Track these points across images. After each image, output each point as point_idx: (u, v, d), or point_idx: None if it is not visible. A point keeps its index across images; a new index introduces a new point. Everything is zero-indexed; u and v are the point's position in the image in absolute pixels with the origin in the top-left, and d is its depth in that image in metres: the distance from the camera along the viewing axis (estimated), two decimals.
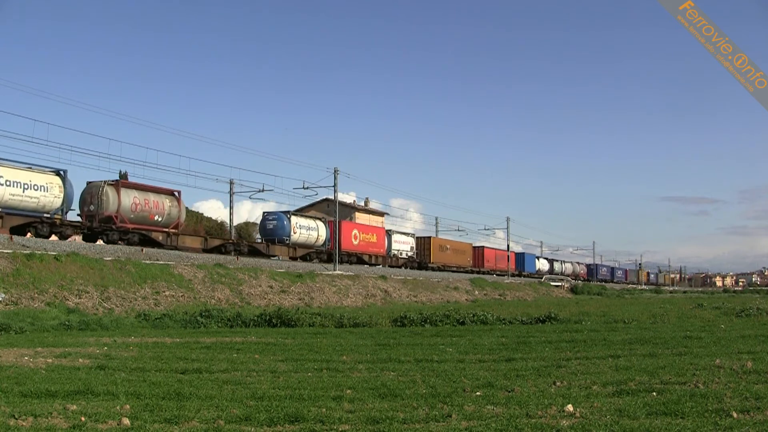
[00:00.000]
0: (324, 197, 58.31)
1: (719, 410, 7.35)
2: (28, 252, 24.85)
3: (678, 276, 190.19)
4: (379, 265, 52.80)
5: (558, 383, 9.37)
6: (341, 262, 45.22)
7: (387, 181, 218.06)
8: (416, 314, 23.79)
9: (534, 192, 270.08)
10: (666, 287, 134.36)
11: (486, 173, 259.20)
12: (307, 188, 46.55)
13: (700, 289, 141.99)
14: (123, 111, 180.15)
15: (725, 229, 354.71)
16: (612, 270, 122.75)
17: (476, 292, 53.24)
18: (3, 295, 21.19)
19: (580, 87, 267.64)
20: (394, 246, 55.98)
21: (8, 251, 24.26)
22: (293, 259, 44.13)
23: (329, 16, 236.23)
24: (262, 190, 46.14)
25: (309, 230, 45.17)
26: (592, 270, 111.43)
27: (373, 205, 75.49)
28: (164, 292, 27.22)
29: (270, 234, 43.22)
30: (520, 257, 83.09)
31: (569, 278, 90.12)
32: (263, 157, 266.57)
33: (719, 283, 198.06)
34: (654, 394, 8.42)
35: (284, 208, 45.46)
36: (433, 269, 60.06)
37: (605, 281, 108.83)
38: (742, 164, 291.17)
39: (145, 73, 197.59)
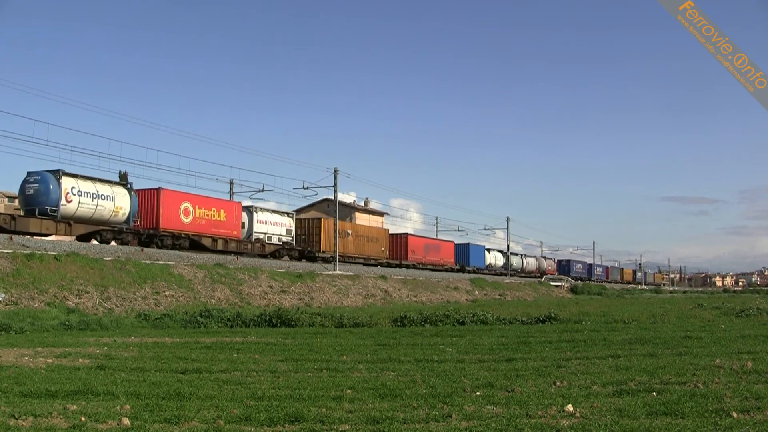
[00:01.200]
0: (324, 197, 58.34)
1: (719, 410, 7.35)
2: (28, 252, 24.85)
3: (676, 275, 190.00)
4: (231, 253, 38.44)
5: (558, 383, 9.37)
6: (152, 245, 34.01)
7: (387, 181, 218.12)
8: (416, 314, 23.79)
9: (534, 192, 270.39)
10: (659, 286, 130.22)
11: (486, 173, 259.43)
12: (307, 188, 46.59)
13: (700, 289, 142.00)
14: (123, 111, 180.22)
15: (725, 229, 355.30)
16: (590, 267, 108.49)
17: (476, 292, 53.28)
18: (3, 295, 21.19)
19: (580, 87, 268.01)
20: (259, 228, 41.71)
21: (8, 251, 24.26)
22: (78, 238, 30.92)
23: (329, 16, 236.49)
24: (262, 190, 46.16)
25: (97, 199, 30.72)
26: (564, 267, 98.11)
27: (373, 205, 75.53)
28: (164, 292, 27.22)
29: (30, 203, 29.23)
30: (462, 249, 68.77)
31: (535, 275, 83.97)
32: (263, 157, 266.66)
33: (719, 283, 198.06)
34: (654, 394, 8.42)
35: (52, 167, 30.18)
36: (324, 260, 46.11)
37: (581, 279, 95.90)
38: (742, 164, 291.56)
39: (145, 73, 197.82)
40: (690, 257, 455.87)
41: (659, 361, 11.75)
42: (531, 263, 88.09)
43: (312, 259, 46.03)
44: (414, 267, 58.14)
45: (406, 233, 60.34)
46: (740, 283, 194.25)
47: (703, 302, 39.06)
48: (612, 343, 15.28)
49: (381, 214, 75.93)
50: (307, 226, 47.58)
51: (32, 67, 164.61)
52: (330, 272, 41.64)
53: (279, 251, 43.86)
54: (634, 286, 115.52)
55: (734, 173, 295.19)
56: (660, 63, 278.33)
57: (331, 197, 48.37)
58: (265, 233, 42.48)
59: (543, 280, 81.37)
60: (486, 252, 74.20)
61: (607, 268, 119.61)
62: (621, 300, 55.93)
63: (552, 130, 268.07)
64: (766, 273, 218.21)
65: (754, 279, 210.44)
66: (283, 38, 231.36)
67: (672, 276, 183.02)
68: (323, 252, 46.34)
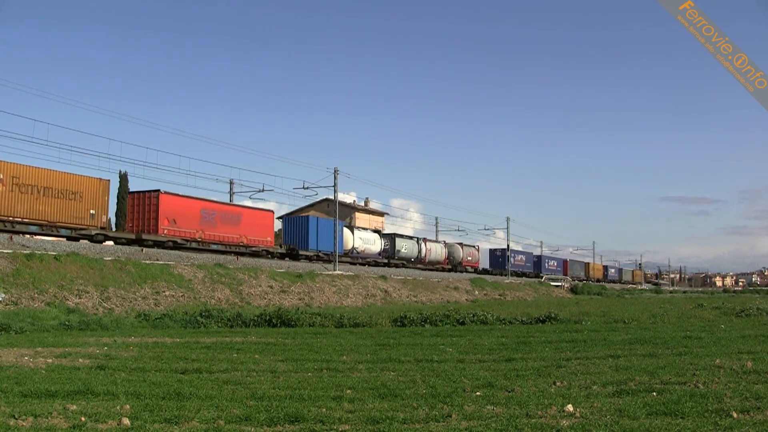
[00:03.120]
0: (324, 197, 58.33)
1: (719, 410, 7.35)
2: (28, 252, 24.85)
3: (676, 275, 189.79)
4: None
5: (558, 383, 9.37)
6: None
7: (387, 181, 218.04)
8: (416, 314, 23.79)
9: (534, 192, 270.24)
10: (634, 286, 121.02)
11: (486, 173, 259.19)
12: (307, 188, 46.58)
13: (700, 289, 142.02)
14: (123, 111, 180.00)
15: (725, 229, 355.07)
16: (539, 259, 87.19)
17: (476, 292, 53.29)
18: (3, 295, 21.19)
19: (580, 87, 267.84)
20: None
21: (8, 251, 24.27)
22: None
23: (329, 16, 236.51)
24: (262, 190, 46.20)
25: None
26: (497, 259, 76.54)
27: (373, 205, 75.48)
28: (164, 292, 27.22)
29: None
30: (296, 224, 46.11)
31: (442, 265, 63.69)
32: (263, 157, 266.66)
33: (719, 283, 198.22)
34: (654, 394, 8.42)
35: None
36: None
37: (525, 275, 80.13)
38: (742, 164, 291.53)
39: (145, 73, 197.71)
40: (690, 257, 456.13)
41: (659, 361, 11.75)
42: (436, 251, 61.89)
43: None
44: (172, 246, 34.45)
45: (157, 189, 34.57)
46: (740, 283, 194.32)
47: (703, 302, 39.05)
48: (612, 343, 15.28)
49: (381, 214, 75.91)
50: None
51: (32, 67, 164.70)
52: (330, 272, 41.65)
53: None
54: (604, 284, 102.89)
55: (734, 173, 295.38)
56: (660, 63, 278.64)
57: (331, 197, 48.37)
58: None
59: (543, 280, 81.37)
60: (348, 231, 49.96)
61: (565, 261, 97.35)
62: (621, 300, 55.95)
63: (552, 130, 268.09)
64: (766, 273, 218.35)
65: (754, 279, 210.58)
66: (284, 38, 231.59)
67: (672, 276, 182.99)
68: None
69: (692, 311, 29.36)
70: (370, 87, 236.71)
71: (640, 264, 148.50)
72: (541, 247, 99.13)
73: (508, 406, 7.77)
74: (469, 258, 70.18)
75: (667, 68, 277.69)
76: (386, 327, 21.96)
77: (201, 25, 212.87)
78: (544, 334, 17.92)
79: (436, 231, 71.85)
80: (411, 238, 60.74)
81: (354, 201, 74.65)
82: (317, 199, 60.38)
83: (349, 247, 50.34)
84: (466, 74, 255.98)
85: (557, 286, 76.87)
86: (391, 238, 57.22)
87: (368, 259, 53.61)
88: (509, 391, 8.74)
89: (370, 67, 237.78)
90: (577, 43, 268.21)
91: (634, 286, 79.68)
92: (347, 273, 43.11)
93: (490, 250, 79.58)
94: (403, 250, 57.49)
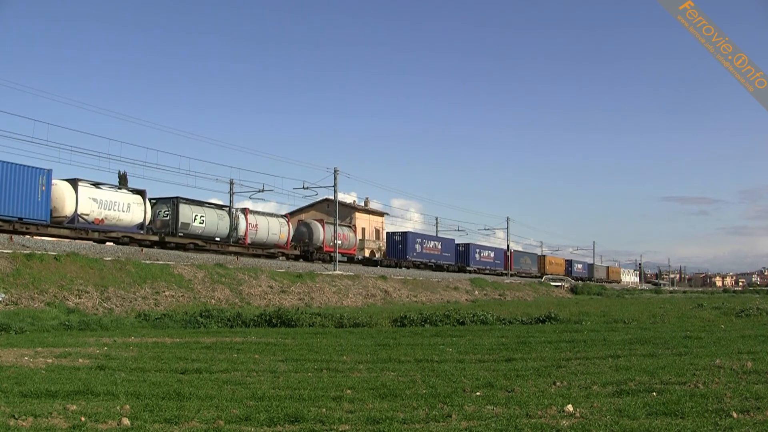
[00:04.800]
0: (324, 197, 58.31)
1: (719, 410, 7.35)
2: (28, 252, 24.85)
3: (676, 275, 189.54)
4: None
5: (558, 383, 9.37)
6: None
7: (387, 181, 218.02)
8: (416, 314, 23.79)
9: (534, 192, 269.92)
10: (616, 282, 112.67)
11: (486, 173, 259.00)
12: (307, 188, 46.50)
13: (700, 289, 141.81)
14: (123, 111, 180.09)
15: (725, 229, 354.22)
16: (466, 248, 70.73)
17: (476, 292, 53.29)
18: (3, 295, 21.19)
19: (580, 87, 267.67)
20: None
21: (8, 251, 24.27)
22: None
23: (329, 16, 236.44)
24: (262, 190, 46.15)
25: None
26: (397, 246, 58.52)
27: (373, 205, 75.50)
28: (164, 292, 27.22)
29: None
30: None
31: (282, 250, 43.19)
32: (263, 157, 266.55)
33: (719, 283, 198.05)
34: (654, 394, 8.43)
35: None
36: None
37: (442, 268, 63.48)
38: (742, 164, 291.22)
39: (145, 73, 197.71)
40: (690, 257, 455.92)
41: (659, 361, 11.75)
42: (266, 228, 42.56)
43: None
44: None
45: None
46: (740, 283, 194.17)
47: (703, 302, 39.06)
48: (612, 343, 15.28)
49: (381, 214, 75.93)
50: None
51: (32, 67, 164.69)
52: (330, 272, 41.66)
53: None
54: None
55: (734, 173, 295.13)
56: (660, 63, 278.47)
57: (331, 197, 48.37)
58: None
59: (543, 280, 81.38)
60: (67, 187, 30.32)
61: (505, 253, 79.05)
62: (621, 300, 55.93)
63: (552, 130, 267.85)
64: (766, 273, 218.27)
65: (754, 279, 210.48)
66: (283, 38, 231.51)
67: (672, 276, 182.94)
68: None
69: (692, 311, 29.36)
70: (370, 87, 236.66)
71: (640, 264, 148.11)
72: (541, 246, 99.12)
73: (508, 406, 7.77)
74: (340, 242, 47.60)
75: (667, 68, 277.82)
76: (386, 327, 21.97)
77: (201, 25, 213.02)
78: (544, 334, 17.92)
79: (436, 231, 71.84)
80: (219, 207, 40.97)
81: (354, 201, 74.68)
82: (317, 199, 60.42)
83: (67, 212, 30.06)
84: (466, 74, 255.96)
85: (557, 286, 76.88)
86: (172, 203, 36.42)
87: (113, 233, 33.14)
88: (509, 391, 8.74)
89: (370, 67, 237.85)
90: (577, 43, 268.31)
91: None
92: (347, 273, 43.14)
93: (388, 234, 63.17)
94: (194, 224, 37.21)
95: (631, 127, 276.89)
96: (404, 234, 59.77)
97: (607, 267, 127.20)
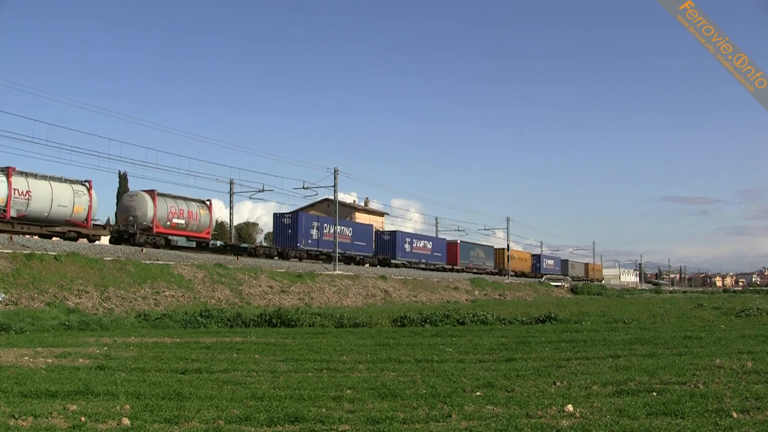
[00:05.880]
0: (324, 197, 58.36)
1: (719, 410, 7.35)
2: (28, 252, 24.85)
3: (676, 275, 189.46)
4: None
5: (558, 383, 9.37)
6: None
7: (387, 181, 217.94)
8: (416, 314, 23.79)
9: (534, 192, 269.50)
10: (593, 281, 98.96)
11: (486, 173, 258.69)
12: (307, 188, 46.48)
13: (700, 289, 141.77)
14: (123, 111, 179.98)
15: (725, 229, 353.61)
16: (392, 236, 56.95)
17: (476, 292, 53.30)
18: (3, 295, 21.19)
19: (580, 87, 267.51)
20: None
21: (8, 251, 24.27)
22: None
23: (329, 16, 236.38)
24: (262, 190, 46.18)
25: None
26: (286, 232, 45.76)
27: (373, 205, 75.58)
28: (164, 292, 27.23)
29: None
30: None
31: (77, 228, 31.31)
32: (263, 157, 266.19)
33: (719, 283, 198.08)
34: (654, 394, 8.43)
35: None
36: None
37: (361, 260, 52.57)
38: (742, 164, 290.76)
39: (145, 73, 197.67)
40: (690, 257, 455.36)
41: (659, 361, 11.75)
42: (39, 197, 29.24)
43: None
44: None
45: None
46: (740, 283, 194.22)
47: (703, 302, 39.05)
48: (612, 343, 15.28)
49: (381, 214, 75.99)
50: None
51: (32, 67, 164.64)
52: (330, 272, 41.67)
53: None
54: (532, 280, 77.98)
55: (734, 173, 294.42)
56: (660, 63, 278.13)
57: (332, 197, 48.37)
58: None
59: (543, 280, 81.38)
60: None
61: (451, 244, 66.61)
62: (621, 300, 55.94)
63: (552, 130, 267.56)
64: (766, 273, 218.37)
65: (754, 279, 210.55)
66: (283, 38, 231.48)
67: (672, 276, 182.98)
68: None
69: (692, 311, 29.36)
70: (370, 87, 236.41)
71: (640, 264, 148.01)
72: (541, 246, 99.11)
73: (508, 406, 7.78)
74: (179, 221, 36.84)
75: (667, 68, 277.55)
76: (386, 327, 21.97)
77: (201, 25, 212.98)
78: (544, 334, 17.93)
79: (436, 231, 71.89)
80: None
81: (354, 201, 74.75)
82: (317, 199, 60.45)
83: None
84: (466, 74, 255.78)
85: (557, 286, 76.90)
86: None
87: None
88: (509, 391, 8.74)
89: (370, 67, 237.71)
90: (577, 43, 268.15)
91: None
92: (347, 273, 43.15)
93: (275, 215, 47.52)
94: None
95: (631, 127, 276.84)
96: (294, 216, 46.54)
97: (587, 264, 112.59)
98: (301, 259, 45.82)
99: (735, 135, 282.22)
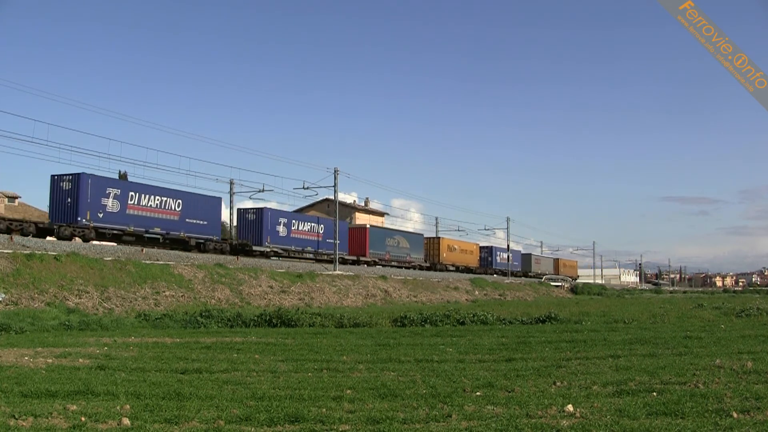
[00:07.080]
0: (324, 197, 58.39)
1: (719, 410, 7.35)
2: (28, 252, 24.85)
3: (676, 275, 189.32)
4: None
5: (558, 383, 9.37)
6: None
7: (387, 181, 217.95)
8: (416, 314, 23.79)
9: (534, 192, 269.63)
10: (559, 284, 78.45)
11: (486, 173, 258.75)
12: (307, 188, 46.47)
13: (700, 289, 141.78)
14: (123, 111, 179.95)
15: (725, 229, 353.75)
16: (260, 215, 42.89)
17: (476, 292, 53.29)
18: (3, 295, 21.19)
19: (580, 87, 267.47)
20: None
21: (8, 251, 24.27)
22: None
23: (329, 16, 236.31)
24: (262, 190, 46.16)
25: None
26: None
27: (373, 206, 75.59)
28: (164, 292, 27.23)
29: None
30: None
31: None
32: (263, 157, 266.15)
33: (719, 283, 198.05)
34: (654, 394, 8.43)
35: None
36: None
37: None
38: (742, 164, 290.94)
39: (145, 73, 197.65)
40: (690, 257, 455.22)
41: (659, 361, 11.75)
42: None
43: None
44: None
45: None
46: (740, 283, 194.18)
47: (703, 302, 39.04)
48: (612, 343, 15.28)
49: (381, 214, 75.99)
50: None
51: (32, 67, 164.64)
52: (330, 272, 41.67)
53: None
54: (483, 276, 66.91)
55: (734, 173, 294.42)
56: (660, 63, 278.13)
57: (332, 197, 48.39)
58: None
59: (543, 280, 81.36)
60: None
61: (361, 228, 54.31)
62: (621, 300, 55.95)
63: (552, 130, 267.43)
64: (766, 273, 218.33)
65: (754, 279, 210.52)
66: (283, 38, 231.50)
67: (672, 276, 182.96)
68: None
69: (692, 311, 29.35)
70: (371, 87, 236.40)
71: (640, 264, 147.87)
72: (541, 246, 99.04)
73: (508, 406, 7.77)
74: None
75: (667, 68, 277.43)
76: (386, 327, 21.97)
77: (200, 25, 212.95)
78: (544, 334, 17.93)
79: (436, 231, 71.85)
80: None
81: (354, 201, 74.76)
82: (317, 199, 60.46)
83: None
84: (466, 74, 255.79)
85: (557, 286, 76.89)
86: None
87: None
88: (509, 391, 8.74)
89: (370, 67, 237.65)
90: (577, 43, 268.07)
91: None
92: (347, 273, 43.15)
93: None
94: None
95: (631, 127, 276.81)
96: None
97: (557, 260, 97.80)
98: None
99: (735, 135, 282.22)
